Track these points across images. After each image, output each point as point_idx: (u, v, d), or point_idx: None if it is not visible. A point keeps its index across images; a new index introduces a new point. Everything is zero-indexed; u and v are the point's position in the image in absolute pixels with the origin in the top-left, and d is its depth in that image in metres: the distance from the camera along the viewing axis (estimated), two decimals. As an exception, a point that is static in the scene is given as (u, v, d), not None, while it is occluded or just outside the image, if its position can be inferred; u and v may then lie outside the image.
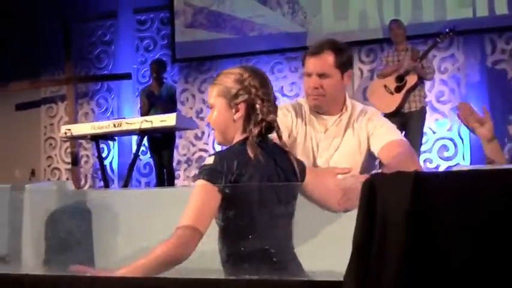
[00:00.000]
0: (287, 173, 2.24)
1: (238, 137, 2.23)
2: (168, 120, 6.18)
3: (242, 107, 2.20)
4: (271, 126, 2.22)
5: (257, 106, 2.19)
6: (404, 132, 6.48)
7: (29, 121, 9.02)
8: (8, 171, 8.58)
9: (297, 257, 2.22)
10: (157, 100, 7.24)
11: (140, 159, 7.56)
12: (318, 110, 2.84)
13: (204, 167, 2.13)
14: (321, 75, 2.76)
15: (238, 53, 8.05)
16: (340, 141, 2.81)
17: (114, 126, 6.45)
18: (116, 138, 7.29)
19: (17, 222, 2.49)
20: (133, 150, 7.98)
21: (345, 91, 2.85)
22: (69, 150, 8.79)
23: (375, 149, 2.74)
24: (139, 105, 8.12)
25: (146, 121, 6.24)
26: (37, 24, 8.80)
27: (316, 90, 2.78)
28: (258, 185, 2.15)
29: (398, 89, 6.52)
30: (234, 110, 2.21)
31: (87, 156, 8.75)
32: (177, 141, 7.76)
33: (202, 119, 7.90)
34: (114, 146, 8.25)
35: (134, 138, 8.03)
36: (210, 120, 2.30)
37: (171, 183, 7.22)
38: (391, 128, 2.81)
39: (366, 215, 1.44)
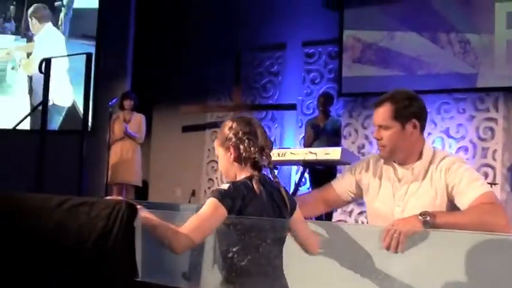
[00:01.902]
0: (281, 208, 2.67)
1: (239, 174, 2.67)
2: (332, 153, 6.18)
3: (232, 149, 2.66)
4: (258, 163, 2.63)
5: (241, 146, 2.64)
6: None
7: (193, 143, 9.38)
8: (171, 188, 8.95)
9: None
10: (322, 133, 7.32)
11: (298, 190, 7.63)
12: (389, 160, 2.95)
13: (219, 189, 2.55)
14: (380, 127, 2.90)
15: (405, 91, 7.94)
16: (416, 190, 2.87)
17: (279, 155, 6.54)
18: (278, 167, 7.41)
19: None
20: (292, 180, 8.09)
21: (415, 140, 2.89)
22: (223, 176, 9.01)
23: (462, 206, 2.74)
24: (301, 136, 8.23)
25: (311, 153, 6.28)
26: (209, 51, 9.16)
27: (379, 141, 2.93)
28: (258, 219, 2.56)
29: None
30: (228, 154, 2.68)
31: (247, 181, 8.93)
32: (337, 175, 7.75)
33: (363, 154, 7.87)
34: (274, 174, 8.38)
35: (294, 168, 8.13)
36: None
37: (328, 216, 7.23)
38: (472, 181, 2.77)
39: None
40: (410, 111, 2.86)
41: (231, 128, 2.68)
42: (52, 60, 5.94)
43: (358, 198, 3.16)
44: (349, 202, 3.23)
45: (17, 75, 9.81)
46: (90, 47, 9.16)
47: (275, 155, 6.62)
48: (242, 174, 2.64)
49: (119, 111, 8.31)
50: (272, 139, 8.57)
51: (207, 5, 9.22)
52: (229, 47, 9.07)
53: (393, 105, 2.87)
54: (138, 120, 8.31)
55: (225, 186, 2.56)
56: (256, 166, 2.63)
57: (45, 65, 5.58)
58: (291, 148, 7.18)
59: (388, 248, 2.54)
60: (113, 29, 9.28)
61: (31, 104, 9.38)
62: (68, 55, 8.47)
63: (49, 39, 9.68)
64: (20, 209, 2.83)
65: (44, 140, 5.53)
